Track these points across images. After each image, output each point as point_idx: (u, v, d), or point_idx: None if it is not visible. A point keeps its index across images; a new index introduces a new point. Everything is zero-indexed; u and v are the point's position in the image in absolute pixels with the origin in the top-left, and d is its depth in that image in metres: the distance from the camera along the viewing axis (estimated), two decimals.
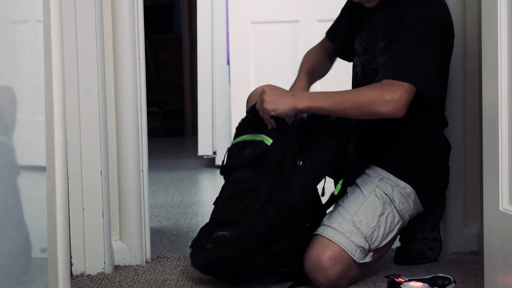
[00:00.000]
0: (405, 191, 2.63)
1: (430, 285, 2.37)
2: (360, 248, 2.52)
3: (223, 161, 2.66)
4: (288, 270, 2.62)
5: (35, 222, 1.99)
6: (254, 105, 2.62)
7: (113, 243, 2.81)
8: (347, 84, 2.82)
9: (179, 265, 2.85)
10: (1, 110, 1.79)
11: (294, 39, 4.98)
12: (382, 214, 2.57)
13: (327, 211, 2.62)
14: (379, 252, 2.60)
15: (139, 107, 2.83)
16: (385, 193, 2.60)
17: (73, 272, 2.73)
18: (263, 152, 2.53)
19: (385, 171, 2.64)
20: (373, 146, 2.70)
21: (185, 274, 2.74)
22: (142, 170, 2.85)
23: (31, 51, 1.99)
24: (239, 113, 3.48)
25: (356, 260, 2.51)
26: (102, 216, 2.73)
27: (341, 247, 2.49)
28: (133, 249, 2.85)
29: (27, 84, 1.98)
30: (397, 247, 2.85)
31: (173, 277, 2.71)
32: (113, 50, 2.79)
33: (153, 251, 3.00)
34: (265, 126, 2.57)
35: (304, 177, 2.48)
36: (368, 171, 2.66)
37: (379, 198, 2.58)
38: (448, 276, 2.45)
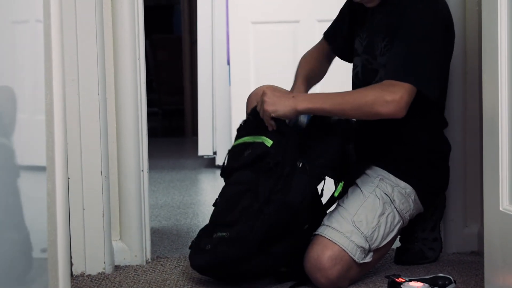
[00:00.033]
0: (405, 191, 2.63)
1: (430, 285, 2.37)
2: (360, 248, 2.52)
3: (223, 163, 2.66)
4: (288, 270, 2.62)
5: (35, 222, 1.99)
6: (255, 107, 2.62)
7: (114, 243, 2.81)
8: (347, 84, 2.82)
9: (179, 265, 2.85)
10: (1, 110, 1.79)
11: (294, 39, 4.98)
12: (382, 214, 2.57)
13: (327, 211, 2.62)
14: (379, 252, 2.60)
15: (139, 107, 2.83)
16: (385, 193, 2.60)
17: (73, 272, 2.73)
18: (263, 154, 2.53)
19: (385, 171, 2.64)
20: (373, 146, 2.70)
21: (186, 274, 2.74)
22: (142, 170, 2.85)
23: (31, 51, 1.99)
24: (240, 113, 3.49)
25: (356, 260, 2.51)
26: (103, 216, 2.73)
27: (341, 247, 2.49)
28: (134, 249, 2.85)
29: (27, 84, 1.98)
30: (397, 247, 2.85)
31: (173, 277, 2.71)
32: (113, 50, 2.79)
33: (153, 251, 3.00)
34: (265, 128, 2.57)
35: (304, 178, 2.48)
36: (368, 171, 2.66)
37: (379, 198, 2.58)
38: (448, 276, 2.45)
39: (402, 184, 2.63)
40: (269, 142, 2.54)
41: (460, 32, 2.84)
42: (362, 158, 2.67)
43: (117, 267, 2.81)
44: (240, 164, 2.58)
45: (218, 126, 5.46)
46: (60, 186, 2.11)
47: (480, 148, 2.65)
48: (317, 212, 2.60)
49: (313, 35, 4.77)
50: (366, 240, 2.52)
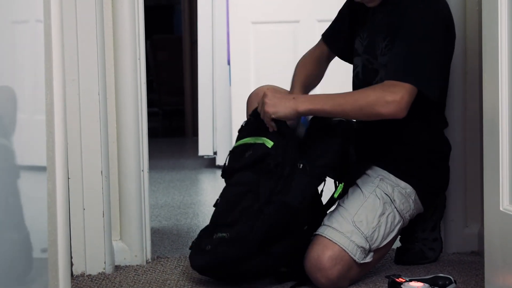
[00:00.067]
0: (406, 191, 2.63)
1: (430, 285, 2.37)
2: (361, 248, 2.52)
3: (224, 163, 2.66)
4: (288, 270, 2.62)
5: (35, 222, 1.99)
6: (256, 108, 2.62)
7: (114, 243, 2.81)
8: (347, 84, 2.82)
9: (179, 265, 2.85)
10: (1, 110, 1.79)
11: (294, 39, 4.98)
12: (382, 214, 2.57)
13: (328, 212, 2.62)
14: (380, 252, 2.60)
15: (139, 107, 2.83)
16: (385, 193, 2.60)
17: (74, 272, 2.73)
18: (264, 155, 2.53)
19: (385, 171, 2.64)
20: (374, 146, 2.70)
21: (186, 274, 2.74)
22: (142, 170, 2.85)
23: (31, 51, 1.99)
24: (240, 113, 3.49)
25: (357, 260, 2.51)
26: (103, 216, 2.73)
27: (341, 247, 2.49)
28: (134, 249, 2.85)
29: (28, 84, 1.98)
30: (397, 247, 2.85)
31: (173, 277, 2.71)
32: (114, 50, 2.79)
33: (153, 251, 3.00)
34: (266, 129, 2.57)
35: (304, 179, 2.48)
36: (368, 171, 2.66)
37: (379, 198, 2.58)
38: (448, 276, 2.45)
39: (403, 184, 2.63)
40: (269, 143, 2.54)
41: (460, 32, 2.84)
42: (363, 158, 2.67)
43: (117, 267, 2.81)
44: (241, 165, 2.59)
45: (218, 126, 5.46)
46: (61, 186, 2.11)
47: (480, 148, 2.65)
48: (317, 212, 2.60)
49: (313, 35, 4.76)
50: (367, 240, 2.52)
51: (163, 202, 4.24)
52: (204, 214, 3.87)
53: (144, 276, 2.73)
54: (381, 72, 2.64)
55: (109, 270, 2.75)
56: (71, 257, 2.71)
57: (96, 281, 2.67)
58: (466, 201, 2.95)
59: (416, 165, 2.67)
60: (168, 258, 2.95)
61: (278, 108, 2.52)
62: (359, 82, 2.73)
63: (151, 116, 5.29)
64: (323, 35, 2.89)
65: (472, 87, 2.91)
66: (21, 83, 1.92)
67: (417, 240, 2.83)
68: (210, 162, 5.70)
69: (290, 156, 2.51)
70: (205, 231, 2.61)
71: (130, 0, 2.79)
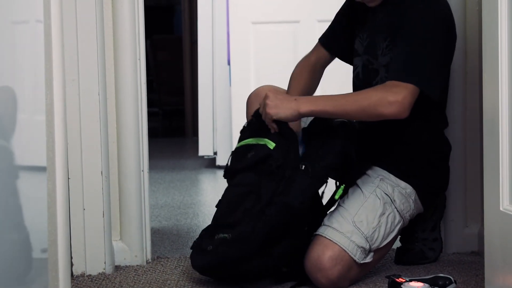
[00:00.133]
0: (406, 191, 2.63)
1: (430, 285, 2.37)
2: (361, 249, 2.52)
3: (227, 164, 2.66)
4: (288, 270, 2.62)
5: (35, 222, 1.99)
6: (258, 109, 2.61)
7: (114, 243, 2.81)
8: (347, 85, 2.82)
9: (179, 265, 2.85)
10: (1, 111, 1.79)
11: (294, 39, 4.98)
12: (382, 214, 2.57)
13: (328, 212, 2.62)
14: (380, 252, 2.60)
15: (139, 107, 2.83)
16: (385, 193, 2.60)
17: (74, 272, 2.73)
18: (266, 156, 2.53)
19: (385, 171, 2.64)
20: (375, 146, 2.70)
21: (186, 274, 2.74)
22: (142, 170, 2.85)
23: (31, 51, 1.99)
24: (240, 113, 3.49)
25: (357, 260, 2.51)
26: (103, 216, 2.73)
27: (341, 248, 2.49)
28: (134, 249, 2.85)
29: (28, 84, 1.98)
30: (397, 248, 2.85)
31: (173, 277, 2.71)
32: (114, 50, 2.79)
33: (153, 251, 3.00)
34: (268, 130, 2.57)
35: (306, 181, 2.48)
36: (368, 171, 2.66)
37: (379, 198, 2.58)
38: (448, 276, 2.45)
39: (403, 184, 2.63)
40: (271, 145, 2.54)
41: (461, 32, 2.84)
42: (364, 158, 2.67)
43: (117, 267, 2.81)
44: (243, 165, 2.58)
45: (218, 126, 5.46)
46: (61, 186, 2.11)
47: (480, 148, 2.65)
48: (317, 213, 2.60)
49: (313, 35, 4.74)
50: (367, 240, 2.52)
51: (163, 202, 4.24)
52: (204, 214, 3.87)
53: (144, 276, 2.73)
54: (381, 72, 2.64)
55: (109, 270, 2.75)
56: (71, 257, 2.71)
57: (96, 281, 2.67)
58: (466, 201, 2.95)
59: (417, 165, 2.67)
60: (168, 258, 2.95)
61: (279, 109, 2.52)
62: (359, 83, 2.73)
63: (151, 116, 5.29)
64: (321, 39, 2.86)
65: (472, 87, 2.91)
66: (21, 83, 1.92)
67: (417, 240, 2.83)
68: (210, 162, 5.70)
69: (292, 157, 2.51)
70: (207, 231, 2.61)
71: (130, 0, 2.79)
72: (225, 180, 2.69)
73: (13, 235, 1.81)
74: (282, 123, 2.54)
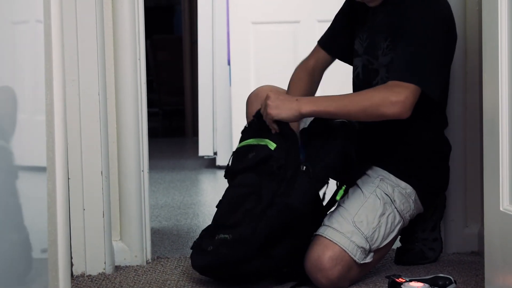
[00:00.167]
0: (406, 191, 2.63)
1: (430, 285, 2.37)
2: (361, 249, 2.52)
3: (228, 164, 2.66)
4: (288, 270, 2.62)
5: (35, 223, 1.99)
6: (260, 109, 2.61)
7: (114, 243, 2.81)
8: (347, 85, 2.82)
9: (179, 265, 2.85)
10: (1, 111, 1.79)
11: (294, 39, 4.99)
12: (382, 214, 2.57)
13: (328, 212, 2.62)
14: (380, 252, 2.60)
15: (139, 107, 2.83)
16: (385, 194, 2.60)
17: (74, 273, 2.73)
18: (267, 157, 2.53)
19: (385, 171, 2.64)
20: (376, 147, 2.70)
21: (186, 274, 2.74)
22: (142, 171, 2.85)
23: (31, 52, 1.99)
24: (240, 113, 3.49)
25: (357, 260, 2.51)
26: (103, 216, 2.73)
27: (341, 248, 2.49)
28: (134, 250, 2.85)
29: (28, 84, 1.98)
30: (397, 248, 2.85)
31: (173, 277, 2.71)
32: (114, 50, 2.79)
33: (153, 251, 3.00)
34: (269, 131, 2.57)
35: (307, 182, 2.47)
36: (368, 172, 2.66)
37: (379, 199, 2.58)
38: (448, 276, 2.45)
39: (403, 184, 2.63)
40: (272, 145, 2.54)
41: (460, 32, 2.84)
42: (364, 158, 2.67)
43: (117, 268, 2.81)
44: (244, 166, 2.58)
45: (218, 126, 5.46)
46: (61, 186, 2.11)
47: (480, 148, 2.65)
48: (317, 213, 2.60)
49: (313, 35, 4.76)
50: (367, 240, 2.52)
51: (163, 202, 4.24)
52: (204, 214, 3.87)
53: (144, 276, 2.73)
54: (382, 72, 2.64)
55: (109, 270, 2.75)
56: (71, 257, 2.71)
57: (96, 282, 2.67)
58: (466, 201, 2.95)
59: (417, 165, 2.67)
60: (168, 258, 2.95)
61: (281, 110, 2.51)
62: (359, 83, 2.73)
63: (151, 116, 5.29)
64: (320, 41, 2.85)
65: (472, 87, 2.91)
66: (21, 83, 1.92)
67: (417, 240, 2.83)
68: (210, 163, 5.70)
69: (292, 158, 2.51)
70: (207, 231, 2.61)
71: (130, 0, 2.79)
72: (226, 180, 2.69)
73: (13, 235, 1.81)
74: (283, 124, 2.54)
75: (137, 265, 2.84)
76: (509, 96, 2.20)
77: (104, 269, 2.74)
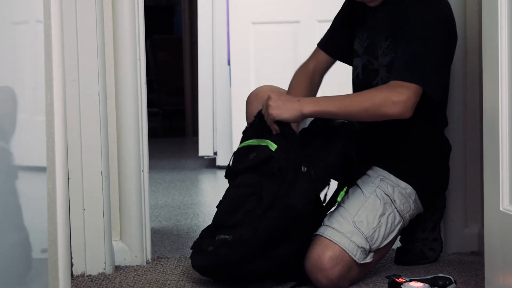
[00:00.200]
0: (406, 192, 2.63)
1: (430, 285, 2.37)
2: (361, 249, 2.52)
3: (228, 164, 2.66)
4: (288, 270, 2.62)
5: (35, 223, 1.99)
6: (261, 110, 2.61)
7: (114, 243, 2.81)
8: (347, 85, 2.81)
9: (179, 265, 2.85)
10: (1, 111, 1.79)
11: (294, 39, 4.98)
12: (383, 214, 2.57)
13: (328, 212, 2.62)
14: (380, 252, 2.60)
15: (139, 107, 2.83)
16: (385, 194, 2.60)
17: (74, 273, 2.73)
18: (267, 158, 2.53)
19: (385, 171, 2.64)
20: (377, 147, 2.70)
21: (186, 274, 2.74)
22: (142, 171, 2.85)
23: (31, 52, 1.99)
24: (240, 113, 3.48)
25: (357, 260, 2.51)
26: (103, 217, 2.73)
27: (341, 248, 2.49)
28: (134, 250, 2.85)
29: (28, 84, 1.98)
30: (397, 248, 2.85)
31: (173, 277, 2.71)
32: (114, 50, 2.79)
33: (153, 251, 3.00)
34: (270, 131, 2.57)
35: (308, 182, 2.47)
36: (368, 172, 2.66)
37: (379, 199, 2.58)
38: (448, 276, 2.45)
39: (403, 184, 2.63)
40: (273, 146, 2.54)
41: (460, 32, 2.83)
42: (365, 159, 2.67)
43: (117, 268, 2.81)
44: (245, 166, 2.58)
45: (218, 126, 5.46)
46: (61, 187, 2.11)
47: (480, 148, 2.65)
48: (317, 213, 2.60)
49: (313, 35, 4.76)
50: (367, 240, 2.52)
51: (163, 202, 4.24)
52: (204, 214, 3.87)
53: (144, 276, 2.73)
54: (382, 72, 2.64)
55: (109, 270, 2.75)
56: (71, 257, 2.71)
57: (96, 282, 2.67)
58: (466, 201, 2.95)
59: (417, 165, 2.67)
60: (168, 258, 2.95)
61: (282, 110, 2.51)
62: (359, 83, 2.73)
63: (151, 116, 5.29)
64: (320, 44, 2.85)
65: (472, 87, 2.91)
66: (21, 83, 1.92)
67: (417, 240, 2.83)
68: (210, 163, 5.70)
69: (293, 159, 2.50)
70: (207, 231, 2.61)
71: (130, 0, 2.79)
72: (226, 180, 2.69)
73: (13, 235, 1.81)
74: (284, 124, 2.54)
75: (137, 265, 2.84)
76: (509, 96, 2.20)
77: (104, 269, 2.74)
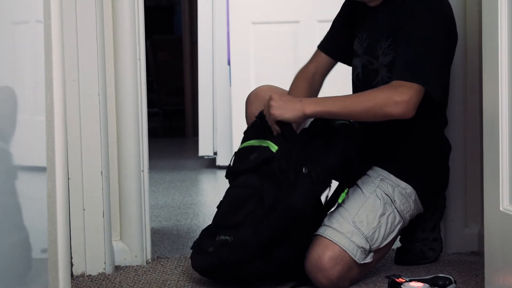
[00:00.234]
0: (406, 192, 2.63)
1: (430, 285, 2.37)
2: (361, 249, 2.52)
3: (229, 164, 2.66)
4: (289, 270, 2.62)
5: (35, 223, 1.99)
6: (263, 110, 2.61)
7: (114, 243, 2.81)
8: (347, 85, 2.81)
9: (179, 265, 2.85)
10: (1, 111, 1.79)
11: (294, 39, 4.98)
12: (383, 214, 2.57)
13: (328, 212, 2.62)
14: (380, 252, 2.60)
15: (139, 107, 2.83)
16: (385, 194, 2.60)
17: (74, 273, 2.73)
18: (268, 159, 2.52)
19: (385, 171, 2.64)
20: (376, 147, 2.70)
21: (186, 274, 2.74)
22: (142, 171, 2.85)
23: (31, 52, 1.99)
24: (240, 113, 3.48)
25: (357, 260, 2.51)
26: (103, 217, 2.73)
27: (341, 248, 2.49)
28: (134, 250, 2.85)
29: (28, 84, 1.98)
30: (397, 248, 2.85)
31: (173, 277, 2.71)
32: (114, 50, 2.79)
33: (153, 251, 3.00)
34: (271, 132, 2.57)
35: (309, 183, 2.47)
36: (368, 172, 2.66)
37: (380, 199, 2.58)
38: (448, 276, 2.45)
39: (403, 184, 2.63)
40: (274, 148, 2.53)
41: (461, 32, 2.83)
42: (366, 159, 2.66)
43: (117, 268, 2.81)
44: (245, 167, 2.58)
45: (218, 126, 5.46)
46: (60, 187, 2.11)
47: (480, 148, 2.65)
48: (317, 213, 2.60)
49: (313, 35, 4.77)
50: (367, 240, 2.52)
51: (163, 202, 4.24)
52: (204, 214, 3.87)
53: (144, 276, 2.73)
54: (382, 72, 2.64)
55: (109, 270, 2.75)
56: (71, 257, 2.71)
57: (96, 282, 2.67)
58: (466, 201, 2.95)
59: (417, 165, 2.67)
60: (168, 258, 2.95)
61: (284, 110, 2.51)
62: (359, 83, 2.73)
63: (151, 116, 5.29)
64: (320, 46, 2.84)
65: (473, 87, 2.91)
66: (21, 84, 1.92)
67: (417, 240, 2.83)
68: (210, 163, 5.70)
69: (294, 160, 2.50)
70: (207, 231, 2.61)
71: (130, 0, 2.79)
72: (226, 180, 2.68)
73: (13, 235, 1.81)
74: (286, 125, 2.54)
75: (137, 265, 2.84)
76: (509, 96, 2.20)
77: (104, 269, 2.74)
